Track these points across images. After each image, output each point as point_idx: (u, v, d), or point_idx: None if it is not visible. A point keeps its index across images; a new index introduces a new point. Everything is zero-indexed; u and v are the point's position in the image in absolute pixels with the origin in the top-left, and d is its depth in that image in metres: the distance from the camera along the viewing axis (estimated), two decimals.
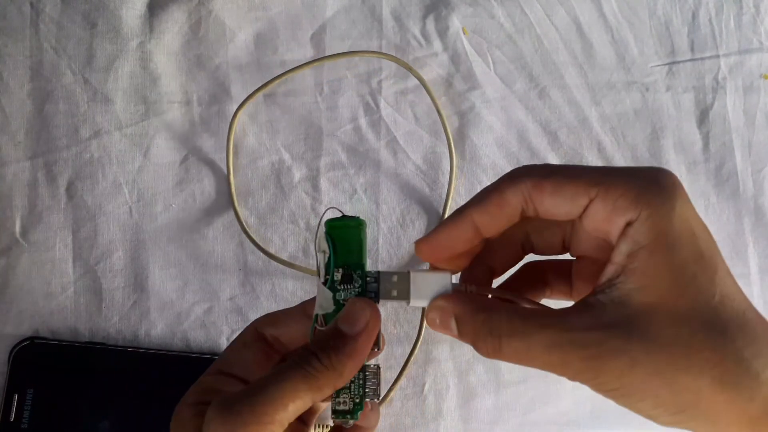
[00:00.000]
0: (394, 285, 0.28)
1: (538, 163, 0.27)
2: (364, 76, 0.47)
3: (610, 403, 0.45)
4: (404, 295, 0.28)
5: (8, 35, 0.45)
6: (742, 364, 0.22)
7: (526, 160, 0.46)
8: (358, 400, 0.27)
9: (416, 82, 0.47)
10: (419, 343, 0.43)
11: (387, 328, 0.44)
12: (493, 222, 0.26)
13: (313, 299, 0.28)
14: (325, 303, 0.27)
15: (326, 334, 0.26)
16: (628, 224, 0.23)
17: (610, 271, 0.24)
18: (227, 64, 0.46)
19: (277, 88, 0.46)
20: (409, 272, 0.28)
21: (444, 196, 0.46)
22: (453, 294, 0.27)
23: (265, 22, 0.47)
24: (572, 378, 0.23)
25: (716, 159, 0.47)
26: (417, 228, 0.45)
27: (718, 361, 0.22)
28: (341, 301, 0.28)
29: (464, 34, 0.48)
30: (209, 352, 0.43)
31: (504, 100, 0.47)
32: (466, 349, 0.44)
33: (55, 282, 0.43)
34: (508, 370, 0.44)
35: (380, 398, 0.28)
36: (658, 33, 0.49)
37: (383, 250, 0.45)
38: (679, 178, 0.24)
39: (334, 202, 0.45)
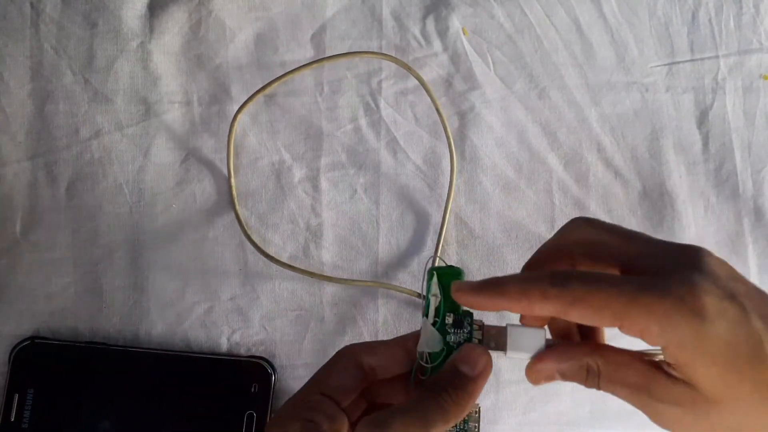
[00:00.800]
0: (492, 337, 0.31)
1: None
2: (364, 76, 0.47)
3: (609, 404, 0.45)
4: (502, 347, 0.30)
5: (8, 35, 0.45)
6: None
7: (526, 161, 0.47)
8: (462, 427, 0.31)
9: (416, 82, 0.47)
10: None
11: (388, 329, 0.44)
12: (523, 312, 0.29)
13: (410, 335, 0.31)
14: (433, 343, 0.30)
15: (449, 374, 0.29)
16: (663, 347, 0.25)
17: (668, 360, 0.26)
18: (227, 64, 0.46)
19: (278, 88, 0.46)
20: (506, 327, 0.31)
21: (444, 196, 0.46)
22: (548, 353, 0.29)
23: (265, 22, 0.47)
24: (652, 421, 0.28)
25: (716, 159, 0.47)
26: (417, 228, 0.45)
27: None
28: (451, 343, 0.31)
29: (464, 34, 0.48)
30: (210, 352, 0.43)
31: (504, 100, 0.47)
32: None
33: (56, 282, 0.43)
34: (508, 370, 0.44)
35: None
36: (658, 33, 0.49)
37: (383, 250, 0.45)
38: (719, 257, 0.27)
39: (335, 202, 0.45)
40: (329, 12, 0.48)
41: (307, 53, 0.47)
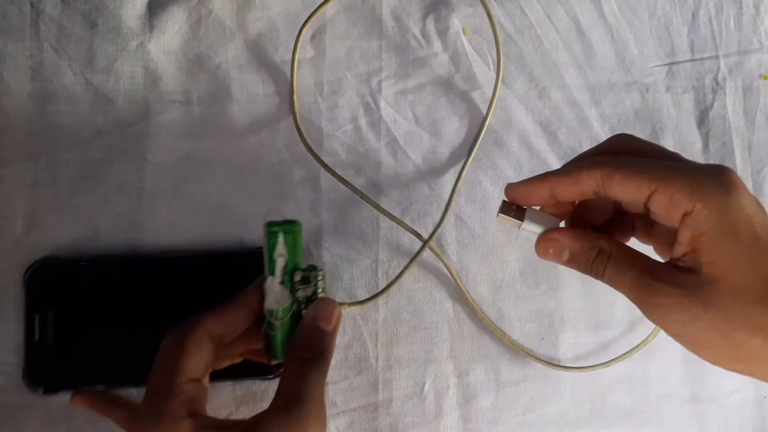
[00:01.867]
0: (512, 210, 0.33)
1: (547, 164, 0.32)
2: (364, 76, 0.47)
3: (609, 404, 0.45)
4: (519, 218, 0.33)
5: (8, 35, 0.45)
6: None
7: (526, 161, 0.47)
8: None
9: (416, 82, 0.47)
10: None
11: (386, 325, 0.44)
12: (567, 193, 0.31)
13: (250, 293, 0.34)
14: (283, 300, 0.32)
15: (314, 335, 0.33)
16: (686, 214, 0.28)
17: (679, 248, 0.28)
18: (227, 63, 0.46)
19: (278, 87, 0.47)
20: (525, 208, 0.33)
21: (444, 197, 0.46)
22: (563, 228, 0.32)
23: (265, 22, 0.47)
24: (647, 315, 0.29)
25: (716, 159, 0.48)
26: (416, 228, 0.45)
27: (767, 325, 0.26)
28: (300, 299, 0.33)
29: (464, 34, 0.48)
30: (226, 248, 0.44)
31: (504, 100, 0.47)
32: (466, 349, 0.44)
33: None
34: (508, 370, 0.44)
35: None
36: (658, 33, 0.49)
37: (383, 250, 0.45)
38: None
39: (334, 202, 0.45)
40: (329, 12, 0.48)
41: (307, 53, 0.47)
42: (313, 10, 0.47)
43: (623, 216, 0.34)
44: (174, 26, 0.46)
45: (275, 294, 0.32)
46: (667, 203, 0.28)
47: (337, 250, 0.45)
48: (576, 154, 0.46)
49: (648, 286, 0.28)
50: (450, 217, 0.45)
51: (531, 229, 0.32)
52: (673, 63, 0.49)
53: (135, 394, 0.42)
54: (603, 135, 0.47)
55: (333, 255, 0.45)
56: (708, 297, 0.27)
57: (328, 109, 0.47)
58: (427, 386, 0.44)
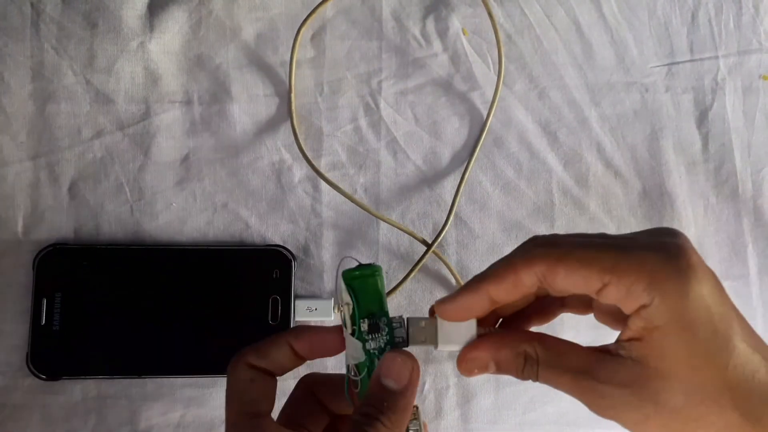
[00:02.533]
0: (421, 330, 0.29)
1: (543, 235, 0.28)
2: (364, 76, 0.47)
3: None
4: (432, 340, 0.29)
5: (9, 35, 0.45)
6: (745, 427, 0.24)
7: (525, 161, 0.47)
8: None
9: (416, 82, 0.47)
10: None
11: None
12: (507, 296, 0.28)
13: (295, 329, 0.30)
14: (356, 353, 0.28)
15: (376, 394, 0.27)
16: (642, 307, 0.25)
17: (626, 333, 0.26)
18: (228, 64, 0.46)
19: (278, 87, 0.47)
20: (436, 318, 0.29)
21: (444, 196, 0.46)
22: (482, 341, 0.28)
23: (265, 22, 0.47)
24: (597, 413, 0.26)
25: (715, 159, 0.48)
26: (416, 228, 0.45)
27: (723, 426, 0.24)
28: (371, 351, 0.29)
29: (464, 34, 0.48)
30: (229, 244, 0.44)
31: (504, 100, 0.47)
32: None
33: None
34: None
35: None
36: (658, 33, 0.49)
37: (383, 250, 0.45)
38: (692, 247, 0.26)
39: (335, 202, 0.45)
40: (329, 12, 0.48)
41: (308, 53, 0.47)
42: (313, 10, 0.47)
43: (544, 300, 0.31)
44: (174, 26, 0.46)
45: (349, 346, 0.29)
46: (622, 296, 0.25)
47: (337, 250, 0.45)
48: (576, 154, 0.47)
49: (590, 389, 0.26)
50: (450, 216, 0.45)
51: (449, 349, 0.29)
52: (673, 63, 0.49)
53: (135, 383, 0.42)
54: (603, 135, 0.47)
55: (333, 255, 0.45)
56: (658, 395, 0.25)
57: (328, 110, 0.47)
58: (427, 386, 0.44)
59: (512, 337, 0.28)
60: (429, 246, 0.44)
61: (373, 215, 0.45)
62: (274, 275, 0.43)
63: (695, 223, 0.47)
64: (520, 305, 0.31)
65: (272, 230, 0.45)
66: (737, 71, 0.49)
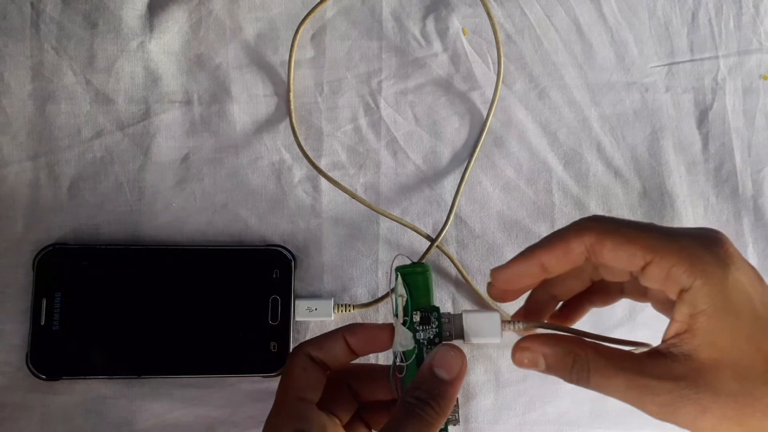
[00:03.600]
0: (451, 327, 0.32)
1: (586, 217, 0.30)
2: (364, 76, 0.47)
3: (609, 404, 0.45)
4: (459, 334, 0.32)
5: (9, 35, 0.45)
6: None
7: (525, 161, 0.47)
8: (443, 427, 0.31)
9: (416, 82, 0.47)
10: None
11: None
12: (558, 264, 0.29)
13: (349, 326, 0.33)
14: (405, 342, 0.32)
15: (427, 381, 0.30)
16: (683, 290, 0.26)
17: (675, 327, 0.27)
18: (228, 63, 0.46)
19: (279, 87, 0.47)
20: (462, 313, 0.32)
21: (444, 196, 0.46)
22: (536, 336, 0.30)
23: (265, 22, 0.47)
24: (652, 415, 0.27)
25: (715, 159, 0.48)
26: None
27: None
28: (421, 341, 0.32)
29: (464, 34, 0.48)
30: (229, 244, 0.44)
31: (504, 100, 0.47)
32: (467, 349, 0.44)
33: None
34: (508, 370, 0.44)
35: (459, 423, 0.32)
36: (658, 33, 0.49)
37: (383, 250, 0.45)
38: (729, 238, 0.27)
39: (334, 202, 0.45)
40: (329, 12, 0.48)
41: (308, 53, 0.47)
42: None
43: (603, 284, 0.33)
44: (174, 26, 0.46)
45: (398, 335, 0.32)
46: (663, 277, 0.26)
47: (337, 250, 0.45)
48: (576, 154, 0.47)
49: (644, 387, 0.26)
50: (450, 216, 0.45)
51: (479, 342, 0.32)
52: (673, 63, 0.49)
53: (135, 383, 0.42)
54: (603, 135, 0.47)
55: (333, 255, 0.45)
56: (713, 384, 0.25)
57: (328, 110, 0.47)
58: None
59: (566, 338, 0.29)
60: (433, 241, 0.44)
61: (377, 212, 0.45)
62: (274, 275, 0.43)
63: (695, 223, 0.47)
64: (577, 288, 0.33)
65: (272, 230, 0.45)
66: (737, 71, 0.49)
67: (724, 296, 0.25)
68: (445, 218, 0.45)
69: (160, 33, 0.46)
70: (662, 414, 0.26)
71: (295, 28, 0.46)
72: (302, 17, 0.47)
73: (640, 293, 0.32)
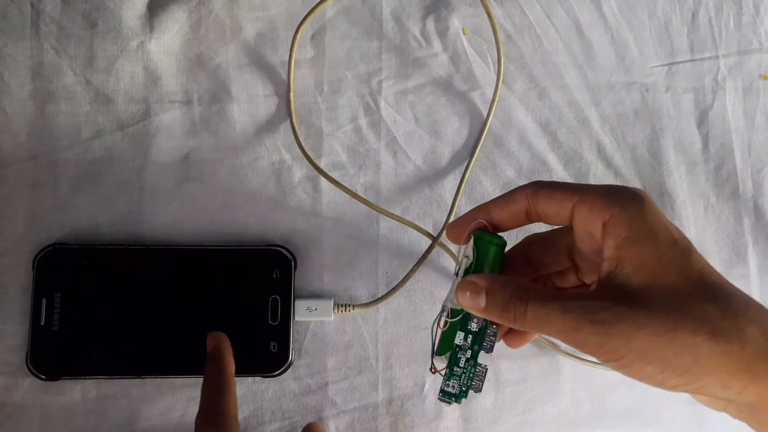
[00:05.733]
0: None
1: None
2: (364, 76, 0.47)
3: (609, 404, 0.45)
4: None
5: (9, 35, 0.45)
6: (727, 320, 0.26)
7: (525, 161, 0.47)
8: (464, 389, 0.32)
9: (416, 82, 0.47)
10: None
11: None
12: (502, 213, 0.32)
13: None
14: (456, 299, 0.31)
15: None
16: (605, 223, 0.28)
17: (605, 266, 0.28)
18: (227, 63, 0.46)
19: (279, 87, 0.47)
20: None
21: (444, 196, 0.46)
22: (480, 274, 0.31)
23: (265, 22, 0.47)
24: (583, 347, 0.27)
25: (716, 159, 0.48)
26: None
27: (708, 319, 0.26)
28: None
29: (464, 34, 0.48)
30: (229, 243, 0.44)
31: (504, 100, 0.47)
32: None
33: None
34: (508, 370, 0.44)
35: (481, 392, 0.33)
36: (658, 33, 0.49)
37: (382, 250, 0.45)
38: (681, 180, 0.28)
39: (334, 202, 0.45)
40: (329, 12, 0.48)
41: (308, 53, 0.47)
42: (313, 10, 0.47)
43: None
44: (174, 26, 0.46)
45: (452, 292, 0.32)
46: (587, 212, 0.29)
47: (337, 250, 0.45)
48: (576, 154, 0.47)
49: (582, 308, 0.27)
50: (450, 216, 0.45)
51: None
52: (673, 63, 0.49)
53: (135, 383, 0.42)
54: (603, 135, 0.47)
55: (333, 255, 0.45)
56: (646, 303, 0.27)
57: (328, 110, 0.47)
58: (427, 386, 0.44)
59: (507, 276, 0.31)
60: (435, 239, 0.44)
61: (378, 210, 0.45)
62: (274, 275, 0.43)
63: (695, 223, 0.47)
64: (553, 265, 0.35)
65: (272, 230, 0.45)
66: (737, 71, 0.49)
67: (642, 221, 0.27)
68: (445, 218, 0.45)
69: (160, 33, 0.46)
70: (596, 336, 0.27)
71: (295, 28, 0.46)
72: (302, 17, 0.47)
73: (590, 269, 0.34)
